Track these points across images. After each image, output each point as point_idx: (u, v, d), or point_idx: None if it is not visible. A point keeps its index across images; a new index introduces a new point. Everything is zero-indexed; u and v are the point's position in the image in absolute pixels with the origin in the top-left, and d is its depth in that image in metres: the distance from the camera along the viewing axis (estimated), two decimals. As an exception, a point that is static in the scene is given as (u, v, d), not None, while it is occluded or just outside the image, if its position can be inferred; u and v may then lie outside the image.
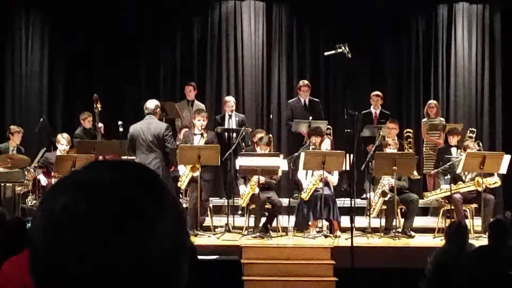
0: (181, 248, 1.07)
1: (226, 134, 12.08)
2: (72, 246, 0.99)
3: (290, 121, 12.27)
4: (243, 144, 11.67)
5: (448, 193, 10.32)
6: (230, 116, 12.23)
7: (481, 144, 11.80)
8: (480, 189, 10.26)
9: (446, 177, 10.57)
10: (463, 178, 10.57)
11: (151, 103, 9.94)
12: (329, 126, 12.37)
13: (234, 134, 11.71)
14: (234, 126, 11.96)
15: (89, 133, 12.09)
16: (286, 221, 10.50)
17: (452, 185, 10.32)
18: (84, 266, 0.99)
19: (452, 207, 10.34)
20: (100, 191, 1.02)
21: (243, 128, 11.47)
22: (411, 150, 11.81)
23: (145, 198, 1.04)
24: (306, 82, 12.61)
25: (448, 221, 9.60)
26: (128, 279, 1.00)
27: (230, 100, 12.43)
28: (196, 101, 12.53)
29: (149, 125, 9.70)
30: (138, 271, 1.00)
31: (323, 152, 10.40)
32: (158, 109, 9.99)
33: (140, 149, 9.66)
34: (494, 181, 10.39)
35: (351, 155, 10.68)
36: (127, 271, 1.00)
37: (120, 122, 10.61)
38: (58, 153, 10.73)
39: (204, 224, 10.58)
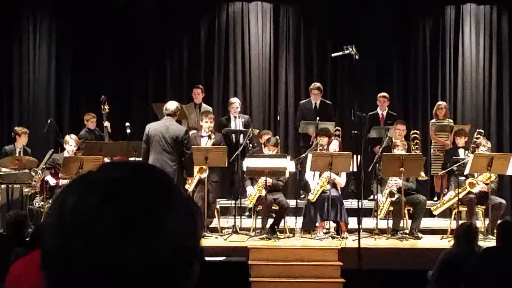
0: (192, 250, 1.07)
1: (233, 135, 12.07)
2: (81, 243, 1.00)
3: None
4: (250, 145, 11.66)
5: (455, 200, 10.29)
6: (235, 118, 12.21)
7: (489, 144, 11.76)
8: (474, 190, 10.23)
9: (460, 178, 10.45)
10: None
11: (172, 105, 9.65)
12: (338, 128, 12.36)
13: (241, 136, 11.71)
14: (240, 128, 11.94)
15: (94, 134, 12.06)
16: (293, 222, 10.50)
17: (456, 190, 10.28)
18: (93, 263, 0.99)
19: (465, 209, 10.34)
20: (109, 190, 1.03)
21: (250, 130, 11.47)
22: (418, 152, 11.78)
23: (155, 197, 1.04)
24: (317, 85, 12.52)
25: (458, 222, 9.57)
26: (137, 278, 1.00)
27: (235, 101, 12.40)
28: (203, 104, 12.42)
29: (168, 127, 9.49)
30: (147, 270, 1.01)
31: (331, 154, 10.38)
32: (178, 111, 9.80)
33: (155, 149, 9.38)
34: (488, 176, 10.28)
35: (359, 156, 10.67)
36: (136, 270, 1.00)
37: (127, 124, 10.58)
38: (65, 154, 10.72)
39: (211, 226, 10.58)
